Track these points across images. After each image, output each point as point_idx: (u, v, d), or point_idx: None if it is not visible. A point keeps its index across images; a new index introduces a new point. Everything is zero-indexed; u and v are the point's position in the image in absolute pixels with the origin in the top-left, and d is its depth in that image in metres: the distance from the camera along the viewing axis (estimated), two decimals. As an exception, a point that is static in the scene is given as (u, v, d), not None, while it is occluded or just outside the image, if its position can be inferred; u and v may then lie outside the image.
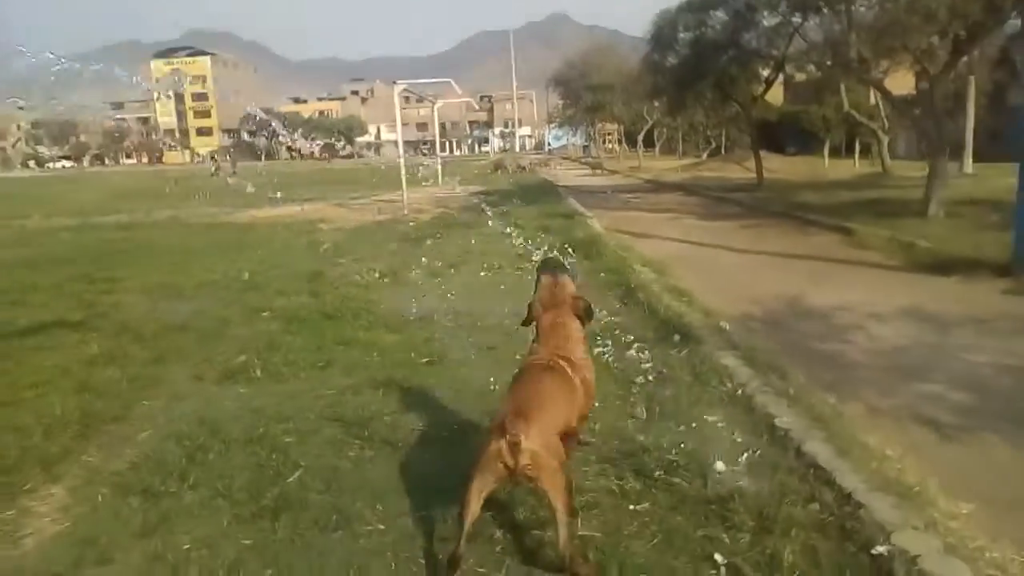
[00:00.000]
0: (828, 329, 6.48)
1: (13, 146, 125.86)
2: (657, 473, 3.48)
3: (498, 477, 2.72)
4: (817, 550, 2.82)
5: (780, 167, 30.69)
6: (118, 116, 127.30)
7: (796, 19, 18.61)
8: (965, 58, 21.90)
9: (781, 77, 29.86)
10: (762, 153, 29.46)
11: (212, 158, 66.31)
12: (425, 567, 2.89)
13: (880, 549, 2.75)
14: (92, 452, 4.19)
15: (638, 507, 3.25)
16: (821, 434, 3.79)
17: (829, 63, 18.04)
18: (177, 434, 4.26)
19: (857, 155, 33.24)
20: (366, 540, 3.08)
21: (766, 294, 7.84)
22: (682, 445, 3.75)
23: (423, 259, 10.53)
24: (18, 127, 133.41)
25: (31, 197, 32.84)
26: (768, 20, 19.17)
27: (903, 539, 2.79)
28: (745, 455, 3.61)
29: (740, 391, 4.46)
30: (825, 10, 15.77)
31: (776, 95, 43.84)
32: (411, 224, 15.17)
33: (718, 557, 2.82)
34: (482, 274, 9.31)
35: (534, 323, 3.36)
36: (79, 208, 23.92)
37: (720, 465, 3.52)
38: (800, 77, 32.26)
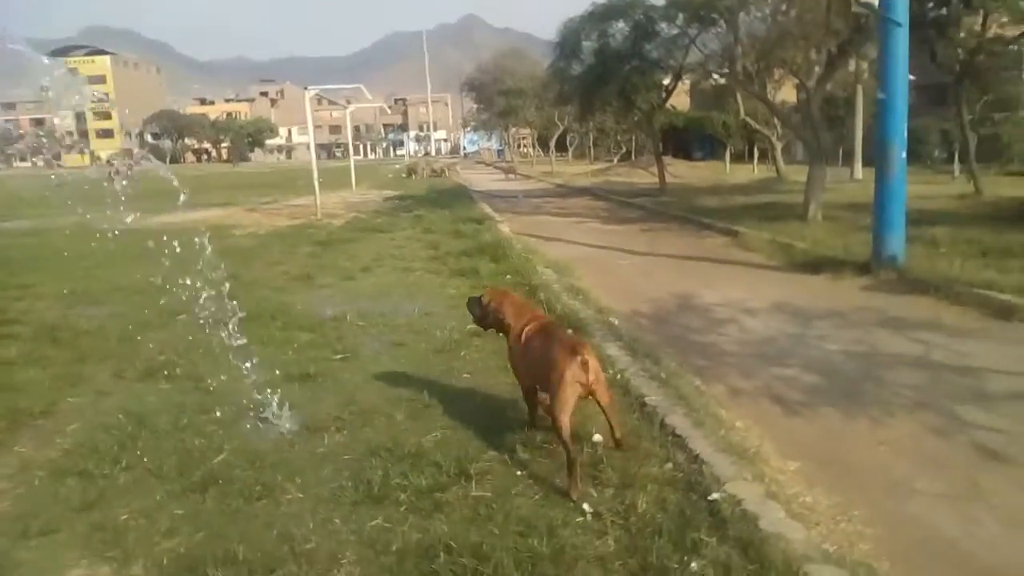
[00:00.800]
0: (706, 323, 7.23)
1: None
2: (542, 443, 4.05)
3: (576, 392, 3.67)
4: (666, 500, 3.43)
5: (685, 172, 32.12)
6: (9, 118, 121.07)
7: (692, 31, 19.74)
8: (853, 67, 23.67)
9: (687, 83, 31.31)
10: (668, 158, 30.79)
11: (109, 162, 64.25)
12: (341, 526, 3.35)
13: (715, 496, 3.38)
14: (24, 444, 4.48)
15: (523, 473, 3.80)
16: (682, 409, 4.44)
17: (720, 75, 19.18)
18: (105, 425, 4.59)
19: (756, 160, 35.08)
20: (287, 507, 3.54)
21: (656, 292, 8.57)
22: (565, 421, 4.32)
23: (337, 262, 10.89)
24: None
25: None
26: (667, 31, 20.24)
27: (734, 488, 3.43)
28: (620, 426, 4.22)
29: (619, 375, 5.08)
30: (718, 24, 16.92)
31: (684, 101, 45.68)
32: (324, 229, 15.44)
33: (586, 507, 3.40)
34: (394, 276, 9.74)
35: (493, 315, 4.35)
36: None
37: (597, 436, 4.11)
38: (705, 84, 33.93)
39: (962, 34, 14.87)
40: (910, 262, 8.62)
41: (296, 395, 5.04)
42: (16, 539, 3.36)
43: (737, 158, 37.86)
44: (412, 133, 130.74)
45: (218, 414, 4.76)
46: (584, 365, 3.65)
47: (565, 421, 3.61)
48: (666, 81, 22.90)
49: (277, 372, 5.51)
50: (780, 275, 9.56)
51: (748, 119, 27.84)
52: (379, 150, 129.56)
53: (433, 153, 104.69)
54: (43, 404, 5.09)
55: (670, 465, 3.77)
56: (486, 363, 5.71)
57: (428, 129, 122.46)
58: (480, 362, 5.78)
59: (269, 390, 4.87)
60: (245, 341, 6.57)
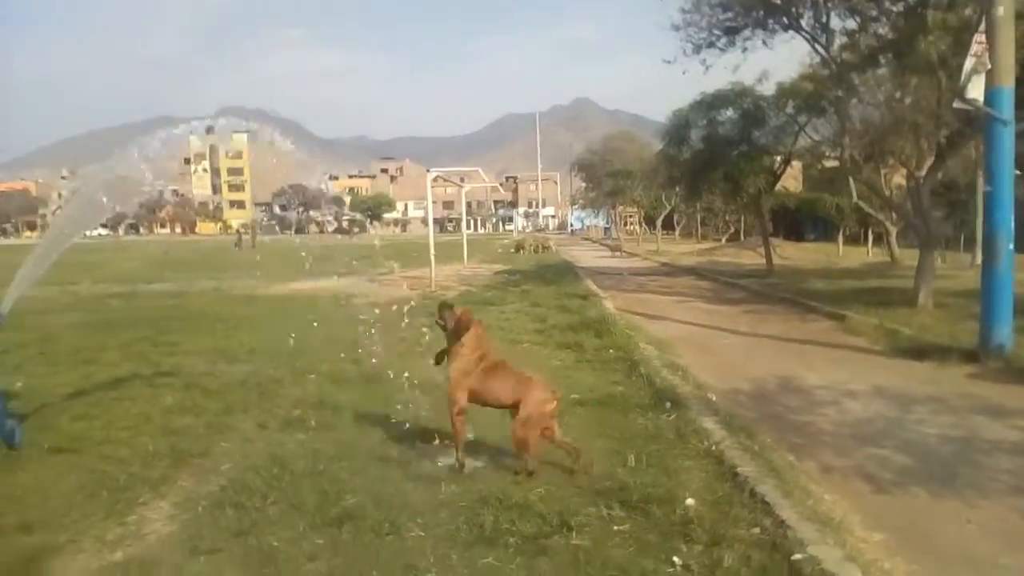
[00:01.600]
0: (805, 403, 7.42)
1: (53, 213, 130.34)
2: (637, 503, 4.43)
3: (546, 422, 4.98)
4: (751, 558, 3.75)
5: (794, 254, 31.80)
6: (157, 187, 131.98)
7: (802, 118, 20.03)
8: (975, 153, 23.23)
9: (799, 165, 31.31)
10: (779, 240, 30.61)
11: (238, 231, 69.19)
12: (457, 562, 3.83)
13: (797, 556, 3.68)
14: (185, 479, 5.20)
15: (620, 527, 4.19)
16: (773, 481, 4.73)
17: (829, 162, 19.30)
18: (254, 467, 5.27)
19: (870, 244, 34.31)
20: (411, 543, 4.05)
21: (756, 372, 8.79)
22: (660, 485, 4.69)
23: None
24: (59, 195, 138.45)
25: (77, 264, 34.45)
26: (775, 119, 20.60)
27: (815, 550, 3.71)
28: (709, 494, 4.55)
29: (714, 447, 5.40)
30: (828, 112, 17.19)
31: (796, 182, 45.35)
32: (438, 300, 16.30)
33: (676, 559, 3.76)
34: (503, 347, 10.31)
35: (458, 328, 5.28)
36: (124, 276, 25.43)
37: (690, 501, 4.46)
38: (816, 167, 33.79)
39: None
40: (1019, 351, 8.53)
41: (419, 449, 5.60)
42: (187, 556, 4.00)
43: (851, 240, 37.11)
44: (521, 209, 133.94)
45: (347, 463, 5.36)
46: (555, 404, 5.11)
47: (533, 441, 4.93)
48: (775, 167, 23.11)
49: (401, 429, 6.11)
50: (884, 360, 9.58)
51: (861, 203, 27.51)
52: (488, 225, 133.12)
53: (541, 230, 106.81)
54: (200, 447, 5.85)
55: (757, 529, 4.08)
56: (587, 430, 6.12)
57: (537, 206, 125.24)
58: (581, 428, 6.18)
59: (394, 444, 5.44)
60: (369, 398, 7.30)
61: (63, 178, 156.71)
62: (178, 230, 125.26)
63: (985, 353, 8.67)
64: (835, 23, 14.67)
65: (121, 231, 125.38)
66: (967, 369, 8.61)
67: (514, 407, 5.05)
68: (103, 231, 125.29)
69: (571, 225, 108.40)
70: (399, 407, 6.90)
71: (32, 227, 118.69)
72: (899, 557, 3.89)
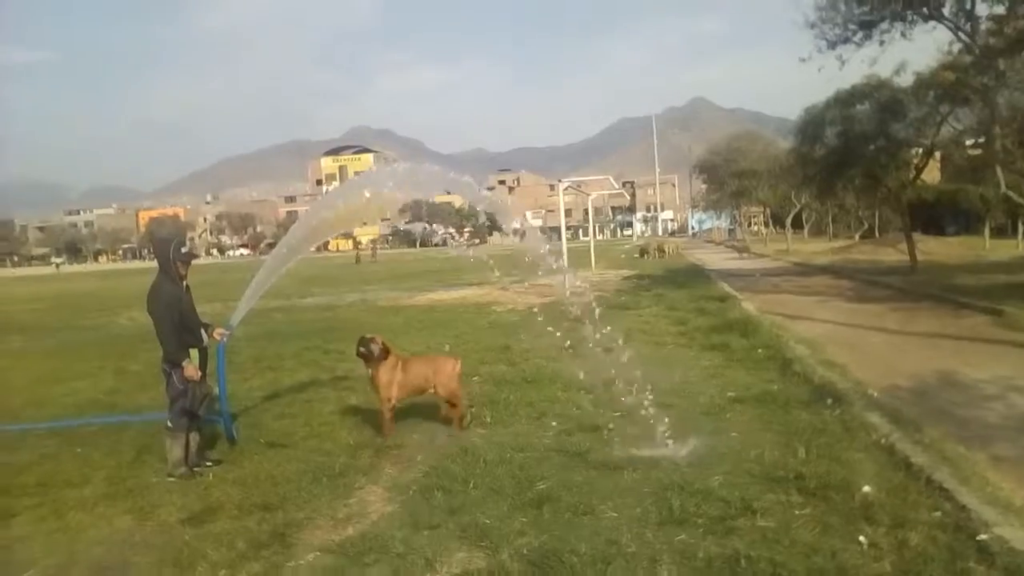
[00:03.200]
0: (968, 398, 7.36)
1: (200, 236, 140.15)
2: (815, 490, 4.69)
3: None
4: (936, 538, 3.96)
5: (937, 249, 30.33)
6: (290, 208, 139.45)
7: (944, 108, 19.26)
8: None
9: (937, 155, 29.83)
10: (919, 235, 29.27)
11: (357, 247, 72.41)
12: (652, 539, 4.22)
13: (983, 536, 3.86)
14: (389, 467, 5.85)
15: (802, 512, 4.46)
16: (947, 469, 4.86)
17: (976, 151, 18.49)
18: (449, 456, 5.86)
19: (1021, 235, 32.26)
20: (607, 522, 4.48)
21: (912, 369, 8.72)
22: (834, 474, 4.92)
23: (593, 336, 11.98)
24: (204, 219, 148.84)
25: (229, 282, 37.22)
26: (916, 111, 19.88)
27: (1002, 531, 3.88)
28: (885, 482, 4.75)
29: (883, 440, 5.56)
30: (973, 102, 16.52)
31: (933, 174, 43.10)
32: (575, 306, 16.73)
33: (862, 539, 4.01)
34: (648, 349, 10.62)
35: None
36: (275, 292, 27.24)
37: (867, 488, 4.67)
38: (958, 157, 32.10)
39: None
40: None
41: (590, 442, 6.04)
42: (411, 530, 4.57)
43: (998, 233, 34.99)
44: (639, 214, 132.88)
45: (529, 453, 5.86)
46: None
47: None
48: (915, 159, 22.25)
49: (569, 424, 6.57)
50: (1051, 355, 9.27)
51: (1010, 192, 25.95)
52: (607, 231, 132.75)
53: (660, 233, 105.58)
54: (394, 440, 6.51)
55: (939, 513, 4.26)
56: (750, 426, 6.38)
57: (655, 210, 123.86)
58: (744, 424, 6.45)
59: (566, 436, 5.89)
60: (529, 397, 7.81)
61: (207, 203, 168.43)
62: (312, 248, 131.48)
63: None
64: (980, 9, 14.19)
65: (259, 252, 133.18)
66: None
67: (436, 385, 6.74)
68: (244, 251, 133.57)
69: (692, 228, 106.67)
70: (561, 407, 7.41)
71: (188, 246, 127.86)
72: (1087, 539, 3.98)
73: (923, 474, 4.82)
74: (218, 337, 6.49)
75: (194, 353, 6.13)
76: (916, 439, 5.59)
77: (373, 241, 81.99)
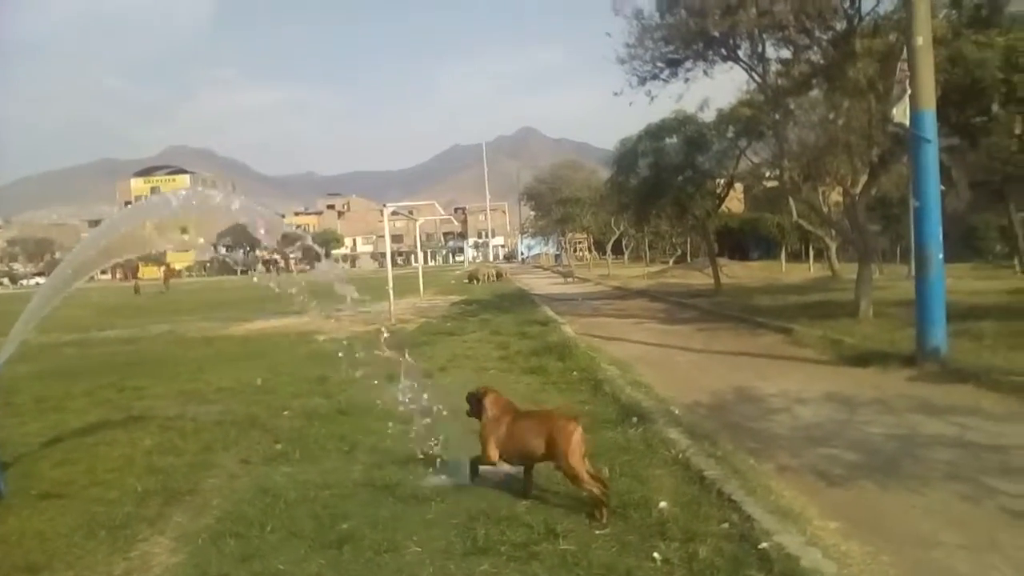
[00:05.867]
0: (760, 411, 7.89)
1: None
2: (615, 508, 4.78)
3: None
4: (723, 549, 4.12)
5: (740, 273, 32.82)
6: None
7: (742, 143, 20.93)
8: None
9: (741, 186, 32.42)
10: (724, 259, 31.51)
11: (135, 278, 64.65)
12: (456, 571, 4.11)
13: (763, 544, 4.06)
14: (180, 515, 5.37)
15: (602, 532, 4.52)
16: (737, 481, 5.13)
17: (769, 183, 20.20)
18: (246, 499, 5.47)
19: (811, 260, 35.62)
20: (410, 558, 4.32)
21: (713, 385, 9.26)
22: (634, 491, 5.05)
23: (415, 363, 11.82)
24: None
25: (14, 314, 33.75)
26: (718, 144, 21.48)
27: (780, 539, 4.11)
28: (680, 496, 4.93)
29: (680, 455, 5.80)
30: (766, 136, 18.05)
31: (739, 203, 46.81)
32: (399, 333, 16.52)
33: (656, 555, 4.11)
34: (469, 375, 10.60)
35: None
36: (72, 324, 24.91)
37: (663, 504, 4.82)
38: (758, 188, 35.06)
39: (995, 139, 15.68)
40: (954, 354, 9.19)
41: (401, 475, 5.87)
42: (196, 582, 4.21)
43: (794, 257, 38.47)
44: (471, 240, 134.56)
45: (335, 490, 5.60)
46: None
47: (583, 469, 4.83)
48: (719, 189, 23.99)
49: (380, 457, 6.37)
50: (830, 369, 10.15)
51: (802, 221, 28.58)
52: (439, 257, 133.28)
53: (491, 259, 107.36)
54: (188, 484, 6.01)
55: (726, 524, 4.46)
56: (561, 448, 6.46)
57: (487, 236, 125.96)
58: (555, 447, 6.52)
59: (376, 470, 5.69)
60: (342, 430, 7.52)
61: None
62: (119, 276, 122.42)
63: (922, 357, 9.29)
64: (770, 52, 15.53)
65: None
66: (907, 373, 9.22)
67: (549, 451, 5.00)
68: (40, 279, 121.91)
69: (521, 253, 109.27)
70: (375, 438, 7.18)
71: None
72: (854, 540, 4.31)
73: (715, 487, 5.04)
74: (-25, 381, 5.76)
75: (-53, 399, 5.40)
76: (710, 452, 5.89)
77: (166, 267, 76.82)
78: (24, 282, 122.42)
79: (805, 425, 7.20)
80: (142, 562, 4.56)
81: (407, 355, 7.05)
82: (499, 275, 44.38)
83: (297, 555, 4.44)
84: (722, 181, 24.04)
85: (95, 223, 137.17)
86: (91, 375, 12.38)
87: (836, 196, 28.06)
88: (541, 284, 40.24)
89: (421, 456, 6.23)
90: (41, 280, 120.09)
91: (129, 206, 6.48)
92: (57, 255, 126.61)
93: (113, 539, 4.92)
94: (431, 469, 5.95)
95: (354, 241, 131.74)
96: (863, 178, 14.64)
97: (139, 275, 69.27)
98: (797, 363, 10.80)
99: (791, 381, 9.30)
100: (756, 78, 16.07)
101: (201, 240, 8.33)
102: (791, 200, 29.13)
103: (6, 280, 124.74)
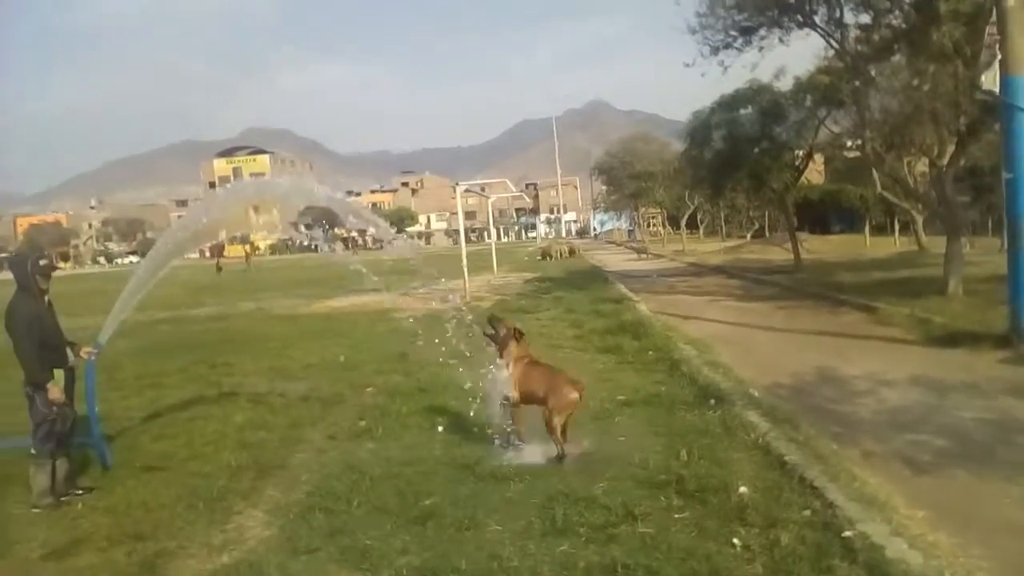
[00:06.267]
0: (843, 394, 7.72)
1: (84, 243, 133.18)
2: (693, 492, 4.79)
3: (568, 413, 5.77)
4: (805, 537, 4.09)
5: (821, 247, 31.89)
6: (182, 212, 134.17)
7: (821, 112, 20.25)
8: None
9: (821, 158, 31.37)
10: (804, 233, 30.63)
11: (217, 259, 67.04)
12: (535, 551, 4.21)
13: (847, 533, 4.02)
14: (271, 489, 5.64)
15: (681, 515, 4.55)
16: (819, 467, 5.06)
17: (851, 153, 19.52)
18: (334, 475, 5.70)
19: (897, 233, 34.28)
20: (490, 536, 4.44)
21: (793, 366, 9.10)
22: (713, 475, 5.05)
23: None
24: (89, 226, 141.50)
25: (115, 293, 35.48)
26: (795, 114, 20.83)
27: (864, 527, 4.05)
28: (760, 482, 4.90)
29: (760, 439, 5.75)
30: (847, 104, 17.43)
31: (819, 175, 45.35)
32: (474, 311, 16.72)
33: (736, 541, 4.11)
34: (544, 353, 10.66)
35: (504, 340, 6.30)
36: (165, 302, 26.07)
37: (743, 489, 4.81)
38: (839, 158, 33.85)
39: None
40: (1051, 334, 8.77)
41: (481, 452, 6.00)
42: (288, 555, 4.42)
43: (878, 231, 37.08)
44: (543, 216, 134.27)
45: (418, 467, 5.77)
46: (580, 397, 5.88)
47: (559, 427, 5.73)
48: (797, 161, 23.30)
49: (461, 434, 6.52)
50: (917, 349, 9.84)
51: (886, 193, 27.53)
52: (511, 233, 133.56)
53: (564, 235, 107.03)
54: (278, 459, 6.30)
55: (808, 511, 4.42)
56: (637, 429, 6.49)
57: (558, 212, 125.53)
58: (632, 428, 6.55)
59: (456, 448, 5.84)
60: (424, 407, 7.72)
61: (92, 208, 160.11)
62: (207, 255, 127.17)
63: (1017, 337, 8.91)
64: (848, 18, 14.95)
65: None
66: (999, 354, 8.86)
67: (544, 400, 5.84)
68: (133, 258, 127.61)
69: (594, 229, 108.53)
70: (451, 418, 7.35)
71: (65, 258, 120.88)
72: (942, 531, 4.21)
73: (796, 472, 4.99)
74: (85, 356, 6.13)
75: (59, 374, 5.77)
76: (792, 437, 5.81)
77: (250, 245, 79.02)
78: (119, 261, 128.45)
79: (891, 409, 7.02)
80: (237, 534, 4.81)
81: (483, 333, 7.09)
82: (572, 251, 44.26)
83: (383, 531, 4.61)
84: (801, 152, 23.31)
85: (182, 203, 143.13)
86: (184, 352, 12.97)
87: (922, 166, 27.05)
88: (614, 260, 39.98)
89: (498, 437, 6.36)
90: (135, 259, 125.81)
91: (227, 186, 6.73)
92: (148, 235, 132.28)
93: (211, 511, 5.21)
94: (509, 448, 6.07)
95: (428, 218, 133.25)
96: (950, 148, 14.02)
97: (224, 254, 71.44)
98: (882, 343, 10.50)
99: (876, 362, 9.06)
100: (834, 44, 15.50)
101: (291, 221, 8.65)
102: (875, 171, 28.11)
103: (102, 259, 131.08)
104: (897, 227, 34.28)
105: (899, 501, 4.68)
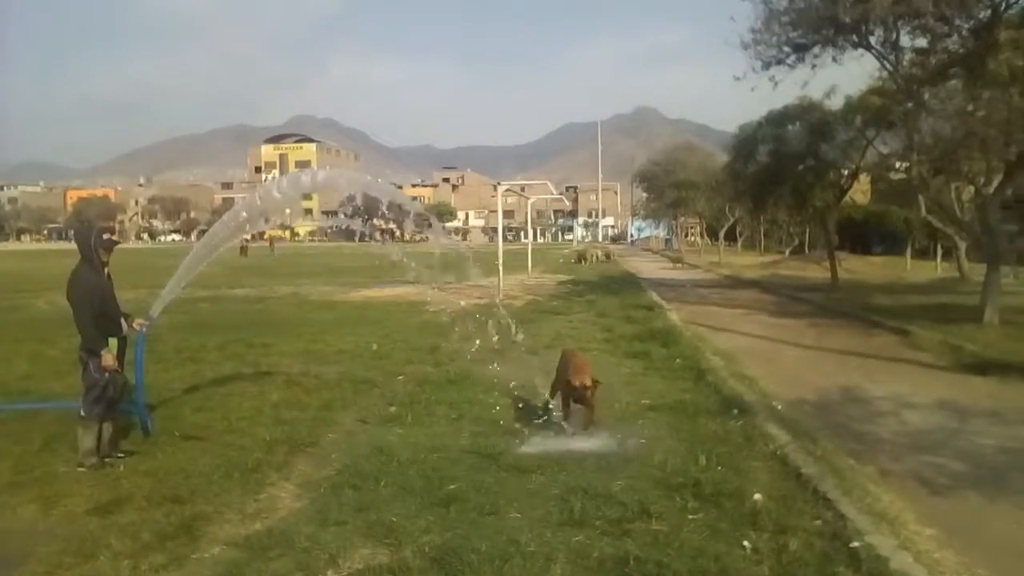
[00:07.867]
0: (866, 413, 7.79)
1: (130, 219, 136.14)
2: (710, 495, 4.95)
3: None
4: (814, 544, 4.23)
5: (860, 268, 31.55)
6: (226, 195, 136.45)
7: (870, 133, 20.09)
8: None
9: (867, 178, 30.99)
10: (845, 253, 30.30)
11: (244, 242, 67.27)
12: (552, 539, 4.40)
13: (855, 543, 4.15)
14: (303, 464, 5.91)
15: (695, 516, 4.71)
16: (834, 480, 5.18)
17: (896, 175, 19.35)
18: (363, 456, 5.95)
19: (939, 258, 33.76)
20: (510, 522, 4.64)
21: (819, 383, 9.16)
22: (729, 481, 5.20)
23: (521, 339, 12.18)
24: (136, 202, 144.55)
25: (159, 268, 36.34)
26: (843, 134, 20.68)
27: (871, 539, 4.18)
28: (775, 490, 5.04)
29: (778, 450, 5.87)
30: (897, 126, 17.31)
31: (863, 195, 44.77)
32: (507, 309, 16.94)
33: (746, 543, 4.26)
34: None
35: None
36: (206, 281, 26.72)
37: (757, 495, 4.95)
38: (885, 178, 33.38)
39: None
40: (1083, 369, 8.72)
41: (505, 444, 6.21)
42: (318, 527, 4.66)
43: (920, 255, 36.56)
44: (581, 219, 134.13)
45: (444, 454, 5.99)
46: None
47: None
48: (842, 180, 23.13)
49: (486, 425, 6.73)
50: (946, 375, 9.83)
51: (930, 217, 27.18)
52: (548, 234, 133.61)
53: (600, 239, 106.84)
54: (310, 438, 6.56)
55: (819, 521, 4.55)
56: (659, 432, 6.64)
57: (597, 215, 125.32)
58: (654, 431, 6.70)
59: (482, 439, 6.05)
60: (451, 397, 7.95)
61: (140, 185, 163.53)
62: (247, 238, 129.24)
63: (1048, 368, 8.88)
64: (905, 41, 14.86)
65: (193, 237, 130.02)
66: (1029, 385, 8.83)
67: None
68: (176, 236, 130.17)
69: (631, 235, 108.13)
70: (480, 409, 7.57)
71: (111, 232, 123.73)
72: (950, 549, 4.31)
73: (811, 484, 5.12)
74: (138, 327, 6.46)
75: (113, 342, 6.09)
76: (810, 451, 5.93)
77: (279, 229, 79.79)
78: (162, 238, 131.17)
79: (912, 431, 7.08)
80: (270, 504, 5.07)
81: (514, 331, 7.31)
82: (607, 256, 44.30)
83: (408, 510, 4.83)
84: (846, 172, 23.13)
85: (227, 185, 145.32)
86: (223, 330, 13.37)
87: (969, 193, 26.66)
88: (649, 268, 39.95)
89: (524, 429, 6.55)
90: (177, 237, 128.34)
91: (286, 175, 7.00)
92: (192, 214, 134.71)
93: (245, 481, 5.48)
94: (533, 441, 6.27)
95: (467, 215, 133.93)
96: (998, 176, 13.88)
97: (259, 238, 71.83)
98: (911, 367, 10.50)
99: (903, 385, 9.09)
100: (888, 66, 15.41)
101: (334, 209, 8.97)
102: (920, 195, 27.75)
103: (146, 236, 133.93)
104: (940, 252, 33.76)
105: (910, 517, 4.78)
